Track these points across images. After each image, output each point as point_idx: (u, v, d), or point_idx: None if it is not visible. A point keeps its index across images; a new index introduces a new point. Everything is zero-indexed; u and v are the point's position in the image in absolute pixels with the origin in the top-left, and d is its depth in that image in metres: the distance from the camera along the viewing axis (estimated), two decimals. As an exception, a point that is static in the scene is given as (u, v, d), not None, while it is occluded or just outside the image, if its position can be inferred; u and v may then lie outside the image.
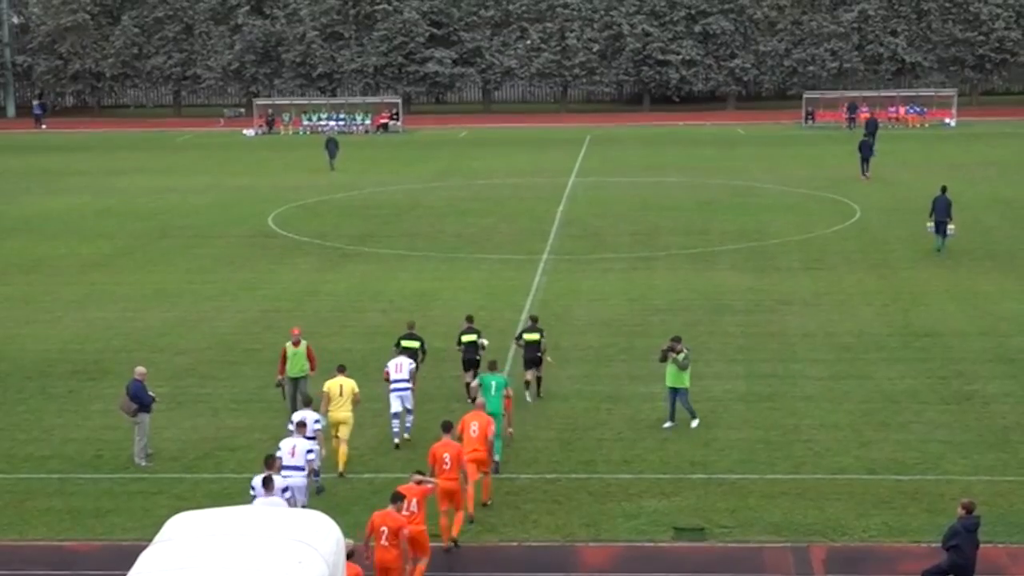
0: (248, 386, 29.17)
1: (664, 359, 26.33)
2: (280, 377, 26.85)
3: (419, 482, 19.88)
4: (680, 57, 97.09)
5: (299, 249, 45.95)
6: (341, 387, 24.58)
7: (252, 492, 19.93)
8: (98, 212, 55.19)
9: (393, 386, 25.79)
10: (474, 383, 25.79)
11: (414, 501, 19.33)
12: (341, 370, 25.01)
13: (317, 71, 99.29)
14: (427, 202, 56.20)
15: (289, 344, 26.81)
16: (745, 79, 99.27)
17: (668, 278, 40.08)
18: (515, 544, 21.13)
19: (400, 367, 26.03)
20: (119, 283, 40.99)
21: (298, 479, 21.34)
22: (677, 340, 26.43)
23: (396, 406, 25.68)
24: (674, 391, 26.28)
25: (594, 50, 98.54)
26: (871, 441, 25.37)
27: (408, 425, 25.86)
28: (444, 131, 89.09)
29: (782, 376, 29.74)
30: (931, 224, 43.45)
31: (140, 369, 25.51)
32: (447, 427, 21.53)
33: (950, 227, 43.20)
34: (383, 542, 18.37)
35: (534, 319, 29.26)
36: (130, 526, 21.90)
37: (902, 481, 23.28)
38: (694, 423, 26.26)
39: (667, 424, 26.33)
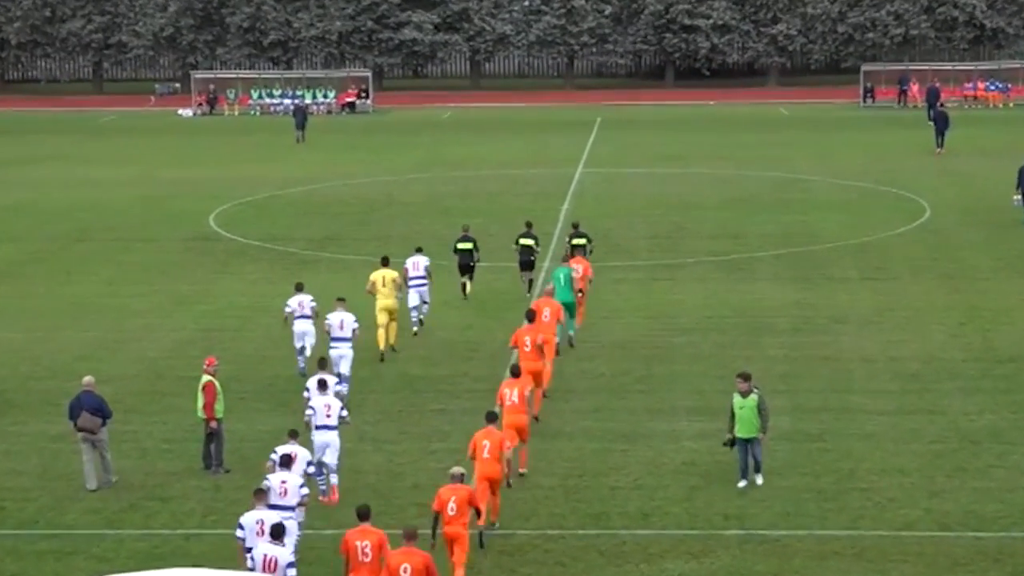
0: (183, 422, 29.06)
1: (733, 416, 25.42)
2: (213, 424, 26.34)
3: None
4: (711, 22, 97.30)
5: (246, 255, 45.93)
6: (384, 278, 33.70)
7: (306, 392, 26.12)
8: (3, 210, 55.15)
9: (411, 282, 35.06)
10: (548, 287, 33.57)
11: (515, 391, 25.50)
12: (384, 262, 34.31)
13: (269, 38, 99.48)
14: (403, 198, 56.23)
15: (211, 378, 26.47)
16: (790, 48, 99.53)
17: (695, 291, 40.10)
18: (510, 616, 21.14)
19: (417, 265, 35.45)
20: (28, 296, 40.94)
21: (346, 350, 30.34)
22: (746, 378, 25.64)
23: (414, 300, 35.20)
24: (746, 443, 25.37)
25: (606, 13, 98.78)
26: (944, 490, 25.35)
27: (423, 314, 35.59)
28: (423, 111, 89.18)
29: (835, 410, 29.71)
30: (1018, 196, 47.12)
31: (88, 379, 26.27)
32: (531, 316, 30.04)
33: None
34: (485, 455, 23.24)
35: (576, 225, 39.71)
36: (39, 594, 21.85)
37: (982, 539, 23.26)
38: (756, 478, 25.81)
39: (741, 484, 25.63)
